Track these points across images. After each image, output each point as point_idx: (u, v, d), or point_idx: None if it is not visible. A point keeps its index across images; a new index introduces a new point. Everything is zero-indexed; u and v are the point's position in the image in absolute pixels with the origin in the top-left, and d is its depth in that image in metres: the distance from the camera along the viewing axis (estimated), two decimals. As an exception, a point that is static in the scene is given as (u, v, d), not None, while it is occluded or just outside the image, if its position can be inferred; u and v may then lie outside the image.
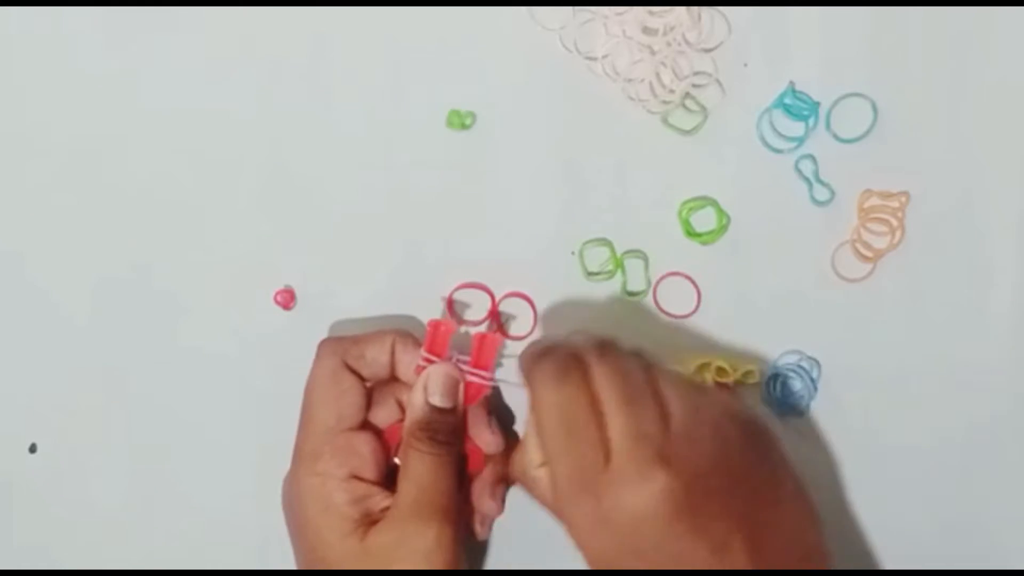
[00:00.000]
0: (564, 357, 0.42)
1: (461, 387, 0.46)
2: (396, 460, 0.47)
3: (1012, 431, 0.50)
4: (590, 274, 0.50)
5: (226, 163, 0.50)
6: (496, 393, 0.50)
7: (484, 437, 0.47)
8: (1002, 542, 0.51)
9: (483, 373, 0.46)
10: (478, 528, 0.48)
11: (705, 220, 0.50)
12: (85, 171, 0.50)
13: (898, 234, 0.49)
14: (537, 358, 0.42)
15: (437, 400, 0.45)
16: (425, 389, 0.45)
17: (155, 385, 0.51)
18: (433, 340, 0.46)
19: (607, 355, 0.42)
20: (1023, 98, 0.49)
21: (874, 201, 0.49)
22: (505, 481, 0.48)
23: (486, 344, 0.47)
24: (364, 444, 0.46)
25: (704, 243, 0.50)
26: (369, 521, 0.45)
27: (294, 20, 0.49)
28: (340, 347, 0.47)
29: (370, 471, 0.46)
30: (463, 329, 0.50)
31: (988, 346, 0.50)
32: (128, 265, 0.51)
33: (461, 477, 0.47)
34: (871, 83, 0.49)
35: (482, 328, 0.50)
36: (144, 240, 0.50)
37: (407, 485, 0.45)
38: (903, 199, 0.49)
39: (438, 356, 0.46)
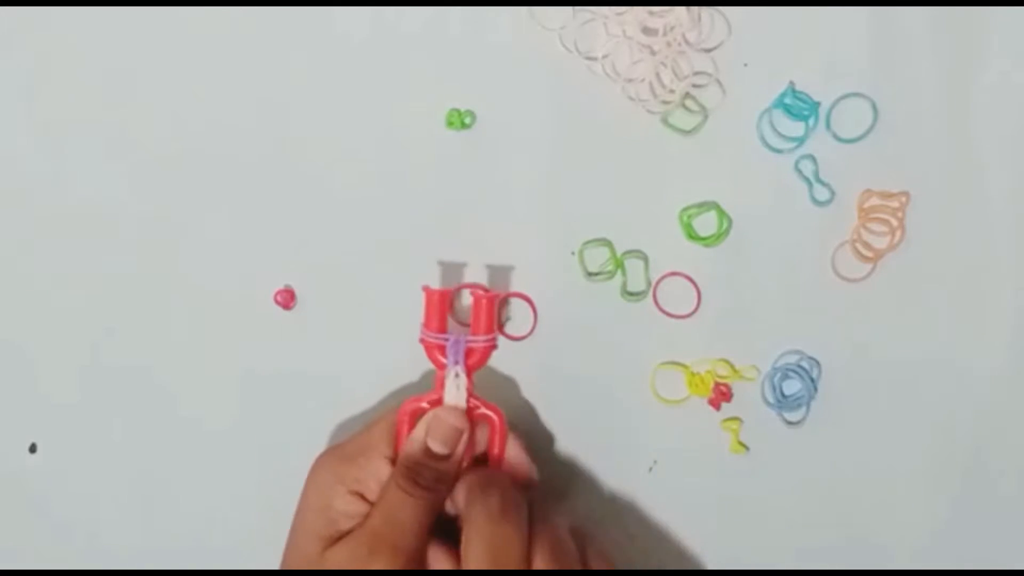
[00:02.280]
0: (510, 492, 0.43)
1: (465, 437, 0.46)
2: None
3: (1012, 430, 0.50)
4: (590, 274, 0.50)
5: (226, 163, 0.50)
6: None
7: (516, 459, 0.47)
8: (1002, 542, 0.51)
9: (485, 338, 0.47)
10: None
11: (707, 224, 0.50)
12: (84, 171, 0.50)
13: (898, 234, 0.49)
14: (483, 487, 0.43)
15: (436, 446, 0.45)
16: (427, 430, 0.45)
17: (155, 385, 0.51)
18: (430, 312, 0.46)
19: (547, 516, 0.44)
20: (1023, 98, 0.49)
21: (874, 201, 0.49)
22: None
23: (485, 306, 0.47)
24: (388, 476, 0.46)
25: (706, 246, 0.50)
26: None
27: (294, 20, 0.49)
28: (336, 473, 0.46)
29: (374, 497, 0.45)
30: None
31: (988, 346, 0.50)
32: (128, 265, 0.51)
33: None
34: (871, 83, 0.49)
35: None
36: (144, 239, 0.50)
37: (377, 513, 0.45)
38: (903, 199, 0.49)
39: (439, 331, 0.46)
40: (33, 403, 0.51)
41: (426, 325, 0.47)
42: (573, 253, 0.50)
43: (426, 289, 0.47)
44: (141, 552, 0.52)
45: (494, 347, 0.47)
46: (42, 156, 0.50)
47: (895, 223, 0.49)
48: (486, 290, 0.49)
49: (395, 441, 0.46)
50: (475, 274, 0.50)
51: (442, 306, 0.47)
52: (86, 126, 0.50)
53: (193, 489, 0.52)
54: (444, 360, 0.46)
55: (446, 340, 0.46)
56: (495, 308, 0.47)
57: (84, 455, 0.51)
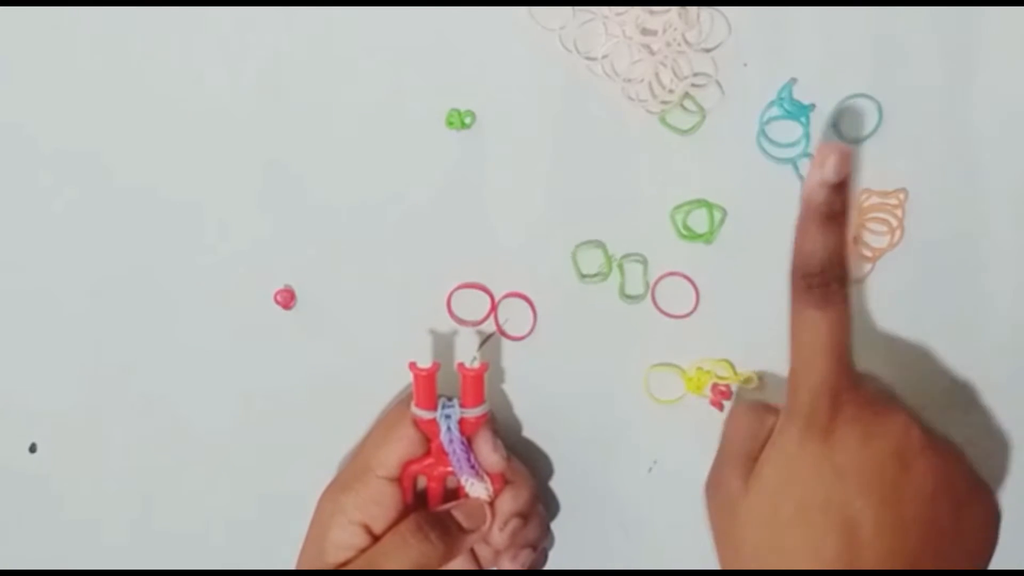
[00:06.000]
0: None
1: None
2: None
3: (1012, 430, 0.51)
4: (584, 276, 0.50)
5: (226, 163, 0.50)
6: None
7: (488, 459, 0.47)
8: (1002, 542, 0.51)
9: (477, 410, 0.46)
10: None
11: (699, 221, 0.50)
12: (84, 170, 0.50)
13: (897, 233, 0.49)
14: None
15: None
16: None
17: (155, 385, 0.51)
18: (419, 390, 0.46)
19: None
20: (1022, 97, 0.49)
21: (873, 200, 0.49)
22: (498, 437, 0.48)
23: (472, 379, 0.46)
24: (391, 498, 0.46)
25: (700, 243, 0.49)
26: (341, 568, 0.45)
27: (294, 20, 0.49)
28: (335, 502, 0.46)
29: (381, 526, 0.46)
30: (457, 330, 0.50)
31: (988, 345, 0.50)
32: (128, 265, 0.51)
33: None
34: (871, 83, 0.49)
35: (476, 331, 0.50)
36: (144, 240, 0.50)
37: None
38: (901, 196, 0.49)
39: (429, 407, 0.46)
40: (33, 403, 0.51)
41: (417, 403, 0.46)
42: (573, 253, 0.50)
43: (412, 367, 0.46)
44: (141, 552, 0.52)
45: (486, 416, 0.47)
46: (42, 157, 0.50)
47: (894, 222, 0.49)
48: (469, 367, 0.47)
49: (386, 457, 0.46)
50: (475, 274, 0.50)
51: (430, 384, 0.46)
52: (85, 125, 0.50)
53: (193, 488, 0.52)
54: (437, 432, 0.46)
55: (445, 416, 0.46)
56: (483, 380, 0.47)
57: (84, 455, 0.51)
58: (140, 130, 0.50)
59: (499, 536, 0.47)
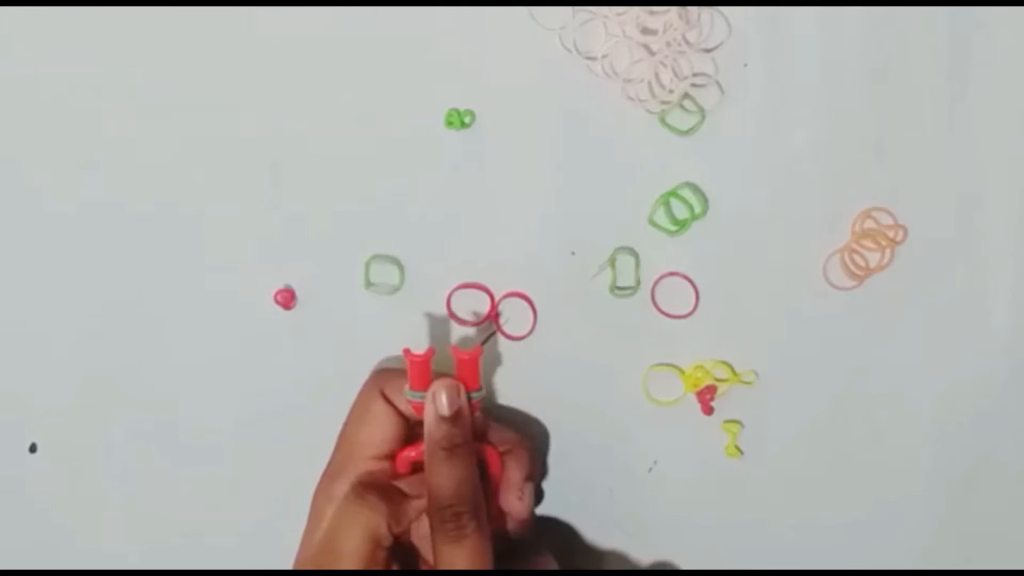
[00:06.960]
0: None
1: (462, 390, 0.45)
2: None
3: (1013, 431, 0.51)
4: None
5: (226, 163, 0.50)
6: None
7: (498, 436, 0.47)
8: (1002, 545, 0.51)
9: (473, 394, 0.46)
10: (512, 529, 0.47)
11: (682, 208, 0.50)
12: (85, 171, 0.50)
13: (898, 234, 0.50)
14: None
15: (445, 408, 0.45)
16: (435, 406, 0.45)
17: (155, 385, 0.51)
18: (414, 375, 0.45)
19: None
20: (1023, 98, 0.49)
21: (870, 224, 0.49)
22: (530, 479, 0.47)
23: (466, 363, 0.46)
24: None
25: (680, 233, 0.49)
26: None
27: (294, 20, 0.49)
28: (381, 377, 0.47)
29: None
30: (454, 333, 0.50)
31: (988, 346, 0.50)
32: (128, 265, 0.51)
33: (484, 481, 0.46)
34: (870, 83, 0.49)
35: (471, 332, 0.50)
36: (144, 240, 0.50)
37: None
38: (901, 196, 0.49)
39: (423, 390, 0.45)
40: (33, 403, 0.51)
41: (412, 387, 0.45)
42: (573, 253, 0.50)
43: (407, 353, 0.45)
44: (141, 552, 0.52)
45: (481, 403, 0.46)
46: (43, 157, 0.50)
47: (893, 223, 0.49)
48: (463, 350, 0.46)
49: (368, 438, 0.46)
50: (475, 274, 0.50)
51: (425, 368, 0.45)
52: (86, 126, 0.50)
53: (193, 489, 0.52)
54: None
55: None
56: (479, 365, 0.46)
57: (84, 455, 0.51)
58: (141, 131, 0.50)
59: (519, 505, 0.46)
